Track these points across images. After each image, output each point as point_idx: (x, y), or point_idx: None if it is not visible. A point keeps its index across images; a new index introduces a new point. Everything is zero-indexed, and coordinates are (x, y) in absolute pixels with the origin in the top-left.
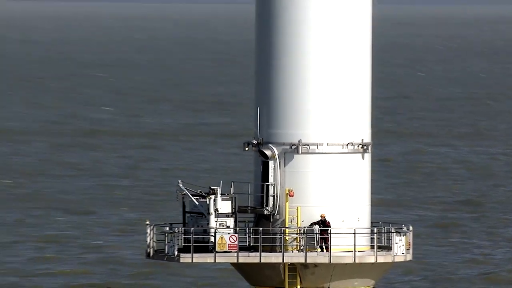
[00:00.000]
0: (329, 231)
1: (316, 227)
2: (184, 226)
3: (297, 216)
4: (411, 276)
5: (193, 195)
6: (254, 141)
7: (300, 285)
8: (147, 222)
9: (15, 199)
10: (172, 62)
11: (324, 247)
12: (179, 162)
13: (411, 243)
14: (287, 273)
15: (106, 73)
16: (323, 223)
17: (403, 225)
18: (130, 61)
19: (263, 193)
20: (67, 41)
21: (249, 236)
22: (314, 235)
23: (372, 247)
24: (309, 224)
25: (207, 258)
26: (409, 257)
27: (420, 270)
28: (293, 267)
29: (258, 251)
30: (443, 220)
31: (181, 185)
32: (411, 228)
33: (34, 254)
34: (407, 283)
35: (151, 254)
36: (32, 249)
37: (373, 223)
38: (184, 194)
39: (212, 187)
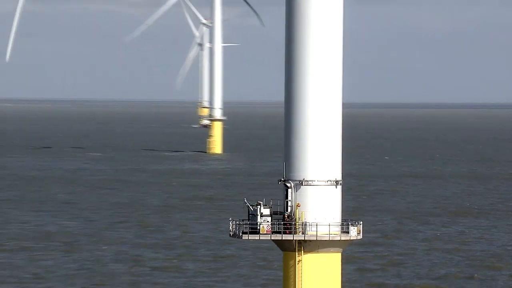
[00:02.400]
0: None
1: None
2: (248, 221)
3: (301, 217)
4: None
5: (251, 205)
6: (282, 179)
7: (303, 250)
8: (230, 219)
9: None
10: None
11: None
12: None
13: (361, 230)
14: (296, 244)
15: None
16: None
17: (356, 221)
18: None
19: (285, 205)
20: None
21: (278, 226)
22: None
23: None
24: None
25: (256, 236)
26: (359, 237)
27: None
28: (299, 241)
29: (281, 233)
30: None
31: (245, 201)
32: (361, 222)
33: None
34: None
35: (231, 234)
36: None
37: (342, 220)
38: (247, 205)
39: (259, 201)
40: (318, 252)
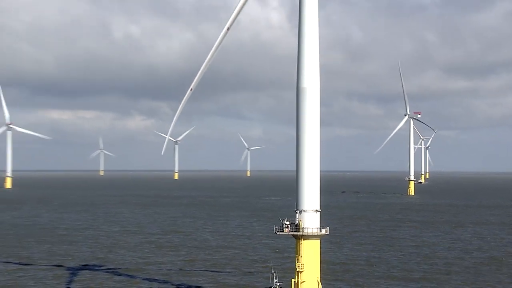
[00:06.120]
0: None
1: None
2: (281, 226)
3: (301, 224)
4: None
5: (282, 219)
6: (295, 209)
7: (302, 239)
8: (274, 226)
9: None
10: None
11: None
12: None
13: (327, 230)
14: (300, 236)
15: None
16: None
17: (326, 227)
18: None
19: (296, 220)
20: None
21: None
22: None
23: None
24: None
25: (283, 233)
26: (327, 233)
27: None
28: (301, 235)
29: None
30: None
31: (280, 218)
32: (327, 228)
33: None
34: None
35: (274, 232)
36: None
37: (319, 226)
38: (280, 219)
39: (284, 218)
40: (309, 239)
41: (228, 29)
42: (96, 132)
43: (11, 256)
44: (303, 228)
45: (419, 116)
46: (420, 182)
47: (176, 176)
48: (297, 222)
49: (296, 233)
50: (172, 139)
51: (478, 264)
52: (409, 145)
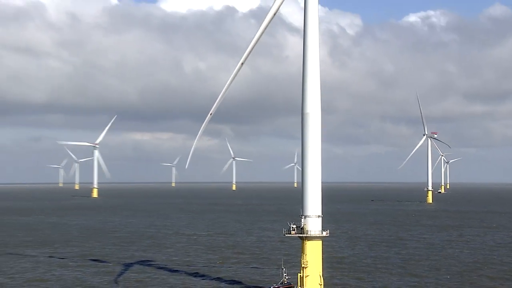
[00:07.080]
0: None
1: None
2: (289, 229)
3: (306, 227)
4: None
5: (290, 223)
6: (300, 214)
7: (307, 240)
8: (283, 229)
9: None
10: None
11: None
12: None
13: (328, 232)
14: (304, 237)
15: None
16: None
17: (327, 229)
18: None
19: (301, 224)
20: None
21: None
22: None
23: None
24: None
25: (290, 235)
26: (328, 235)
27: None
28: (305, 236)
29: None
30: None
31: (288, 222)
32: (328, 231)
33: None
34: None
35: (283, 234)
36: None
37: (321, 229)
38: (288, 223)
39: (291, 223)
40: (312, 240)
41: (242, 64)
42: (171, 150)
43: (79, 254)
44: (307, 231)
45: (435, 135)
46: (440, 192)
47: (234, 187)
48: (302, 225)
49: (301, 235)
50: (232, 158)
51: (477, 262)
52: (427, 160)
